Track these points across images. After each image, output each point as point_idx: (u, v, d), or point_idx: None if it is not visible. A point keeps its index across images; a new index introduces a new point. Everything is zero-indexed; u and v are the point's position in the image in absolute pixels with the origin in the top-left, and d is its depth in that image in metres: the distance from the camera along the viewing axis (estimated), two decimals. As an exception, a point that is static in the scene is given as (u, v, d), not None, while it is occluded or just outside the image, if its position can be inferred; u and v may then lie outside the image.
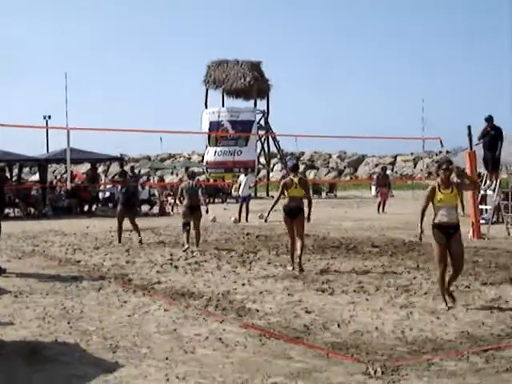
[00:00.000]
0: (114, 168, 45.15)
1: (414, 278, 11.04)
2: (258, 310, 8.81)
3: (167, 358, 6.59)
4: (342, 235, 18.16)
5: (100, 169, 43.12)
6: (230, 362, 6.48)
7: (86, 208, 30.33)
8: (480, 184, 11.06)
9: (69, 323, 8.18)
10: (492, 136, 18.57)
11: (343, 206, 32.78)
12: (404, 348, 6.90)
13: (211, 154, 45.70)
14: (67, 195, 30.02)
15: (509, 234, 17.61)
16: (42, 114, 55.67)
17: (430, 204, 8.91)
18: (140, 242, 16.70)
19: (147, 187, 33.18)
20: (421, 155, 53.09)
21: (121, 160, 34.42)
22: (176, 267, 12.70)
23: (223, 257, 14.03)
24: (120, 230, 17.13)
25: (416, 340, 7.20)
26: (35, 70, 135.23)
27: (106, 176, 38.88)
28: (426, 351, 6.76)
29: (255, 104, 47.40)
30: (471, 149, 17.66)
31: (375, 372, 6.02)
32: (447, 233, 8.82)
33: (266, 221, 13.62)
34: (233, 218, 23.49)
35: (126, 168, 32.97)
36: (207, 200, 34.69)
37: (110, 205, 29.40)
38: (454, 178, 9.28)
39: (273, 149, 50.06)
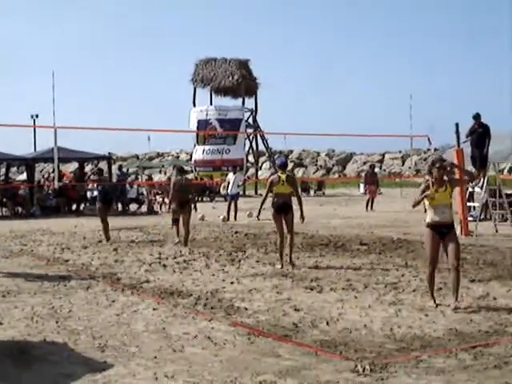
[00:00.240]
0: (102, 167, 45.03)
1: (403, 276, 11.07)
2: (246, 309, 8.81)
3: (156, 357, 6.57)
4: (331, 233, 18.18)
5: (88, 168, 42.94)
6: (218, 360, 6.48)
7: (74, 207, 30.23)
8: (475, 175, 10.88)
9: (57, 322, 8.16)
10: (480, 133, 18.61)
11: (332, 204, 32.85)
12: (392, 345, 6.91)
13: (199, 153, 45.67)
14: (55, 194, 29.91)
15: (496, 231, 17.68)
16: (29, 113, 55.41)
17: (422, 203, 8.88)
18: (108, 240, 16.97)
19: (135, 186, 33.13)
20: (409, 153, 53.33)
21: (108, 159, 34.32)
22: (164, 266, 12.67)
23: (212, 255, 14.02)
24: (106, 227, 17.16)
25: (404, 337, 7.21)
26: (24, 69, 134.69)
27: (93, 175, 38.73)
28: (415, 348, 6.78)
29: (243, 102, 47.38)
30: (459, 146, 17.73)
31: (364, 369, 6.02)
32: (441, 232, 8.66)
33: (258, 219, 13.61)
34: (221, 217, 23.49)
35: (114, 167, 32.94)
36: (196, 198, 34.74)
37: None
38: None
39: (261, 147, 50.08)
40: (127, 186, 32.43)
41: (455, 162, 16.83)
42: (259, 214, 13.39)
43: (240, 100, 47.87)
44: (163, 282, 10.96)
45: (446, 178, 8.89)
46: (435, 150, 56.59)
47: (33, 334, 7.64)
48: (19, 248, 15.98)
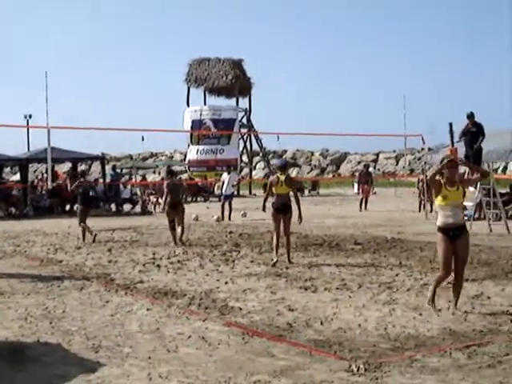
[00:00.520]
0: (96, 167, 45.00)
1: (397, 275, 11.07)
2: (240, 308, 8.80)
3: (150, 358, 6.56)
4: (325, 233, 18.19)
5: (80, 168, 42.87)
6: (212, 360, 6.47)
7: (67, 208, 30.15)
8: (488, 172, 10.47)
9: (51, 323, 8.14)
10: (473, 133, 18.65)
11: (326, 204, 32.86)
12: (387, 345, 6.91)
13: (193, 153, 45.61)
14: (49, 195, 29.84)
15: (491, 231, 17.71)
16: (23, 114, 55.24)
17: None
18: (93, 240, 16.92)
19: (129, 186, 33.11)
20: (403, 152, 53.37)
21: (102, 159, 34.30)
22: (158, 266, 12.66)
23: (206, 255, 14.01)
24: (84, 230, 17.25)
25: (399, 337, 7.21)
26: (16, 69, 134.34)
27: (87, 175, 38.71)
28: (409, 348, 6.78)
29: (237, 102, 47.34)
30: (453, 145, 17.75)
31: (358, 369, 6.02)
32: (453, 235, 8.17)
33: (264, 210, 13.78)
34: (215, 217, 23.48)
35: (108, 167, 32.90)
36: (189, 199, 34.70)
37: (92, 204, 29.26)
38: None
39: (255, 147, 50.05)
40: (121, 186, 32.42)
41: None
42: (264, 207, 13.67)
43: (234, 100, 47.84)
44: (157, 282, 10.94)
45: (457, 177, 8.44)
46: (429, 149, 56.72)
47: (26, 334, 7.61)
48: (12, 249, 15.94)
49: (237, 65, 47.81)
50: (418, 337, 7.20)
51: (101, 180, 32.40)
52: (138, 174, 43.37)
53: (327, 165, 69.43)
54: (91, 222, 17.80)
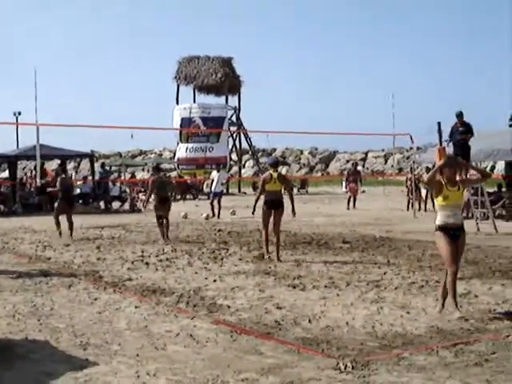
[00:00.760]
0: (85, 165, 44.91)
1: (385, 274, 11.10)
2: (229, 306, 8.81)
3: (138, 355, 6.56)
4: (314, 231, 18.23)
5: (70, 165, 42.80)
6: (201, 358, 6.47)
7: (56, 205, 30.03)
8: (490, 173, 10.42)
9: (39, 320, 8.12)
10: (462, 132, 18.69)
11: (315, 202, 32.90)
12: (374, 343, 6.93)
13: (183, 151, 45.59)
14: (37, 192, 29.74)
15: (478, 230, 17.78)
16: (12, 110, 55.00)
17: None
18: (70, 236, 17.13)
19: (118, 184, 33.05)
20: (391, 151, 53.52)
21: (91, 156, 34.23)
22: (147, 264, 12.65)
23: (194, 253, 14.01)
24: (58, 223, 17.56)
25: (386, 335, 7.24)
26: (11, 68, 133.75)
27: (76, 173, 38.66)
28: (396, 346, 6.80)
29: (226, 100, 47.42)
30: (441, 144, 17.78)
31: (345, 367, 6.04)
32: (453, 235, 8.08)
33: (253, 214, 13.84)
34: (204, 215, 23.48)
35: (97, 164, 32.81)
36: (178, 197, 34.69)
37: (80, 202, 29.22)
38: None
39: (244, 145, 50.12)
40: (110, 183, 32.36)
41: (437, 160, 16.91)
42: (254, 210, 13.73)
43: (223, 98, 47.92)
44: (146, 279, 10.93)
45: (458, 177, 8.34)
46: (418, 148, 56.91)
47: (14, 332, 7.60)
48: (1, 246, 15.91)
49: (226, 63, 47.86)
50: (405, 335, 7.22)
51: (90, 177, 32.33)
52: (127, 171, 43.30)
53: (316, 163, 69.57)
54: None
